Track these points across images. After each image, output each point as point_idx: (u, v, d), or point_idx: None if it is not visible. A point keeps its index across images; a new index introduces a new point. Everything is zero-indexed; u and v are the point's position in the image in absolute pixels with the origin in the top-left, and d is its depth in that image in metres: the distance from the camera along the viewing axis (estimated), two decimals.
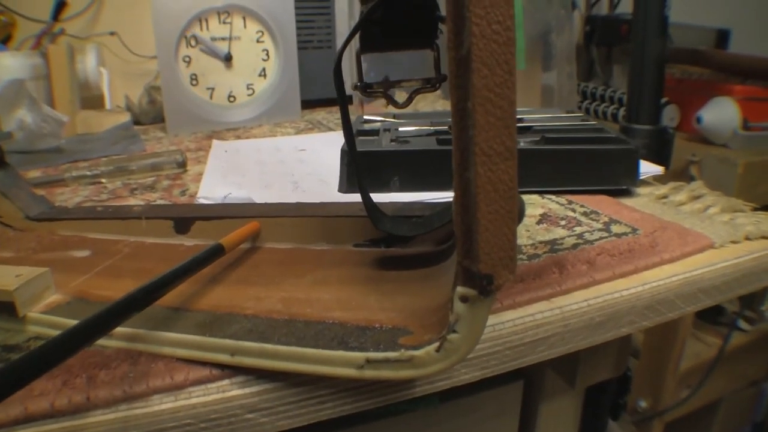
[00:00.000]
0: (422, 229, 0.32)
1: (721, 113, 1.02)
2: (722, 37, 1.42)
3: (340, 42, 0.98)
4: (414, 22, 0.33)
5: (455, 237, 0.22)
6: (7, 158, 0.44)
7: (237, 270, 0.34)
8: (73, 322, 0.28)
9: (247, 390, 0.26)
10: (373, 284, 0.30)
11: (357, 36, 0.32)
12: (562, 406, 0.67)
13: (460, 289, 0.21)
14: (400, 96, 0.34)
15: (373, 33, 0.33)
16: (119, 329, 0.28)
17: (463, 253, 0.21)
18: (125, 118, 0.89)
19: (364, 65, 0.33)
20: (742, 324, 1.21)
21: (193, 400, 0.26)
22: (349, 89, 0.34)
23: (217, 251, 0.31)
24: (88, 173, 0.58)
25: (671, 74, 1.17)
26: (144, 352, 0.28)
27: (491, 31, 0.19)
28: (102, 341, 0.28)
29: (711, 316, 1.24)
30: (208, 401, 0.26)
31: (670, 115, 1.12)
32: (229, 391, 0.26)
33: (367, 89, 0.33)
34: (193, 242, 0.38)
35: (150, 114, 0.96)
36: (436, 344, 0.22)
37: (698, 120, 1.03)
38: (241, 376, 0.27)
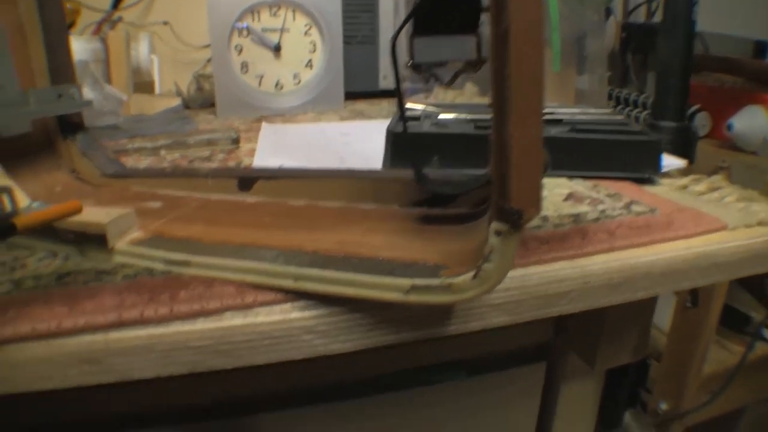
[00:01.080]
0: (460, 189, 0.36)
1: (752, 121, 1.04)
2: (759, 48, 1.43)
3: (383, 38, 1.02)
4: (460, 11, 0.37)
5: (491, 181, 0.26)
6: None
7: (295, 220, 0.38)
8: (155, 253, 0.33)
9: (306, 313, 0.31)
10: (416, 234, 0.34)
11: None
12: (582, 389, 0.70)
13: (494, 225, 0.26)
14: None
15: (425, 19, 0.37)
16: (195, 258, 0.32)
17: (498, 194, 0.25)
18: (176, 101, 0.95)
19: (415, 47, 0.37)
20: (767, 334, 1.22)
21: (259, 319, 0.30)
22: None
23: (6, 231, 0.30)
24: (149, 145, 0.63)
25: (704, 82, 1.19)
26: (218, 278, 0.32)
27: (524, 11, 0.23)
28: (179, 268, 0.33)
29: (736, 325, 1.24)
30: (272, 321, 0.30)
31: (701, 123, 1.14)
32: (291, 313, 0.31)
33: (417, 68, 0.37)
34: (254, 199, 0.42)
35: (198, 100, 1.02)
36: (473, 272, 0.27)
37: (729, 127, 1.05)
38: (302, 301, 0.31)
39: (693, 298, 1.07)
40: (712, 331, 1.09)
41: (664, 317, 1.16)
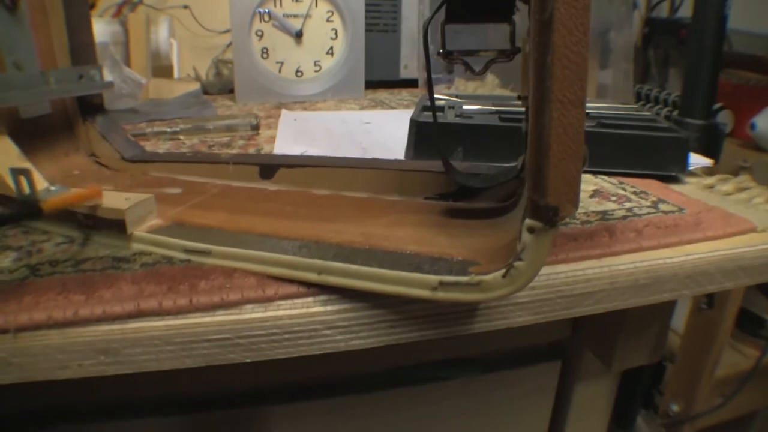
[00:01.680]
0: (489, 182, 0.35)
1: None
2: None
3: (405, 27, 1.01)
4: None
5: (521, 175, 0.25)
6: None
7: (318, 210, 0.37)
8: (174, 241, 0.32)
9: (328, 308, 0.30)
10: (443, 228, 0.34)
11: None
12: (597, 389, 0.69)
13: (528, 221, 0.25)
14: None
15: (458, 6, 0.36)
16: (216, 247, 0.32)
17: (533, 189, 0.24)
18: (195, 86, 0.94)
19: (447, 35, 0.36)
20: None
21: (280, 312, 0.29)
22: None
23: (33, 213, 0.31)
24: (168, 129, 0.63)
25: (728, 80, 1.17)
26: (238, 269, 0.31)
27: None
28: (200, 258, 0.33)
29: (751, 328, 1.23)
30: (293, 314, 0.30)
31: (723, 121, 1.12)
32: (313, 307, 0.30)
33: (448, 55, 0.36)
34: (276, 187, 0.41)
35: (216, 86, 1.01)
36: (503, 270, 0.26)
37: (752, 126, 1.03)
38: (324, 296, 0.30)
39: (708, 301, 1.06)
40: (727, 334, 1.08)
41: (678, 319, 1.15)
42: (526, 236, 0.25)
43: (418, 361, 0.60)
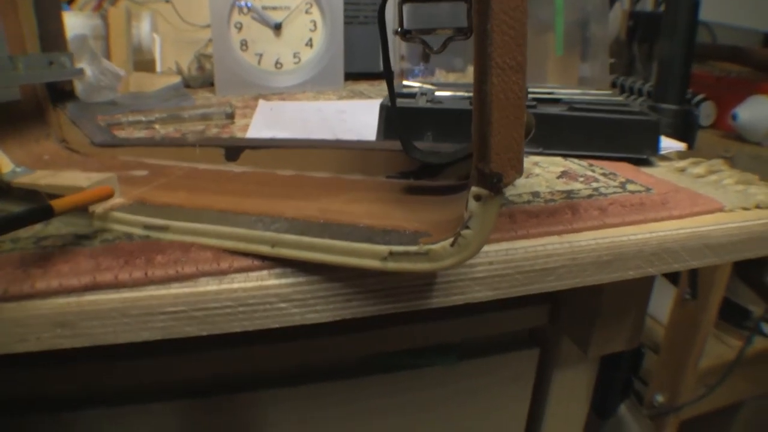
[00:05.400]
0: (448, 159, 0.35)
1: (757, 111, 1.02)
2: None
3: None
4: None
5: (473, 146, 0.25)
6: None
7: (280, 189, 0.38)
8: (134, 218, 0.32)
9: (282, 281, 0.30)
10: (399, 204, 0.34)
11: None
12: (575, 376, 0.70)
13: (474, 189, 0.25)
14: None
15: None
16: (174, 223, 0.32)
17: (478, 157, 0.24)
18: (176, 79, 0.94)
19: (404, 14, 0.37)
20: (767, 328, 1.21)
21: (235, 285, 0.30)
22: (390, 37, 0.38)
23: (44, 213, 0.30)
24: (144, 119, 0.63)
25: (710, 72, 1.18)
26: (195, 243, 0.32)
27: None
28: (158, 233, 0.33)
29: (735, 318, 1.24)
30: (248, 287, 0.30)
31: (706, 112, 1.13)
32: (267, 280, 0.30)
33: (406, 34, 0.36)
34: (241, 169, 0.42)
35: (198, 80, 1.01)
36: (451, 239, 0.26)
37: (734, 117, 1.04)
38: (279, 269, 0.30)
39: (692, 291, 1.07)
40: (711, 324, 1.09)
41: (662, 309, 1.15)
42: (472, 204, 0.25)
43: (395, 349, 0.60)
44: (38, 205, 0.29)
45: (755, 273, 1.15)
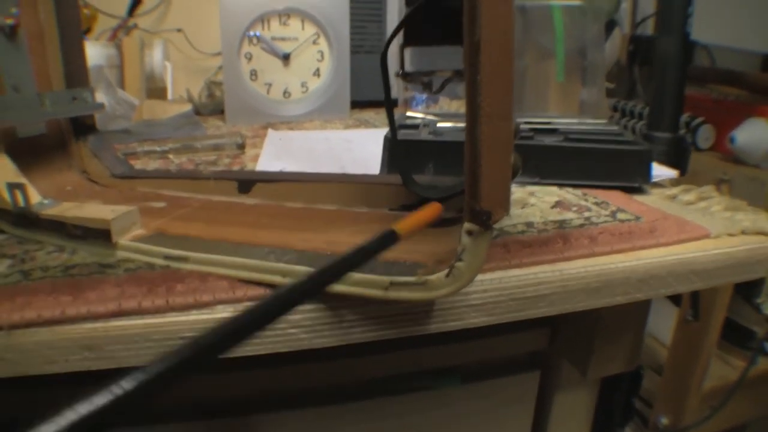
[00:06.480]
0: (445, 193, 0.38)
1: (755, 134, 1.05)
2: None
3: (391, 48, 1.05)
4: (450, 22, 0.39)
5: (465, 184, 0.27)
6: None
7: (290, 222, 0.40)
8: (155, 249, 0.34)
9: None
10: None
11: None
12: (576, 398, 0.71)
13: (466, 225, 0.27)
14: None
15: (415, 30, 0.39)
16: (193, 254, 0.34)
17: (470, 195, 0.27)
18: (187, 107, 0.97)
19: (406, 57, 0.39)
20: None
21: None
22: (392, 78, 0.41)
23: (391, 239, 0.29)
24: (158, 149, 0.66)
25: (708, 95, 1.20)
26: (212, 273, 0.34)
27: (495, 23, 0.25)
28: (178, 264, 0.35)
29: (739, 340, 1.24)
30: None
31: (704, 135, 1.15)
32: None
33: (407, 76, 0.39)
34: (253, 201, 0.44)
35: (209, 107, 1.04)
36: (446, 271, 0.28)
37: (732, 140, 1.06)
38: None
39: (694, 312, 1.08)
40: (713, 345, 1.09)
41: (665, 330, 1.16)
42: (465, 239, 0.28)
43: (398, 372, 0.62)
44: (384, 233, 0.29)
45: (749, 293, 1.16)
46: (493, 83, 0.25)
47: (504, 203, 0.26)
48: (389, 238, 0.29)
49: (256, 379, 0.55)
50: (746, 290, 1.15)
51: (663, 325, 1.18)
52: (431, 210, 0.32)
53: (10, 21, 0.44)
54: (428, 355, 0.61)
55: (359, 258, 0.27)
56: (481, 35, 0.25)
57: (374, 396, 0.61)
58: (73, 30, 0.50)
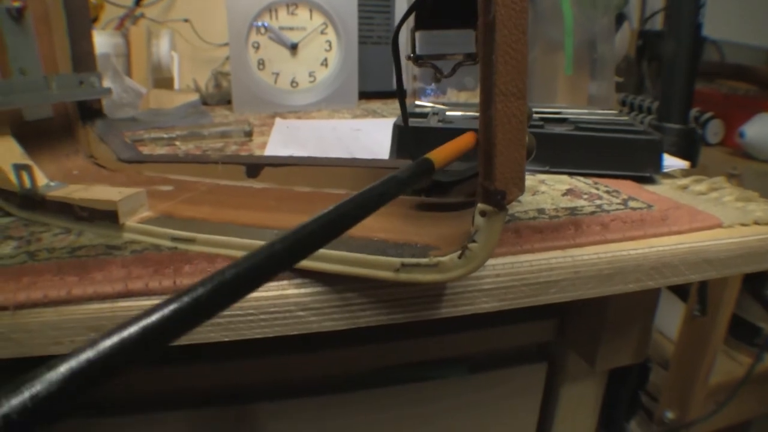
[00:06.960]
0: (456, 177, 0.37)
1: (765, 129, 1.04)
2: None
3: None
4: (460, 6, 0.39)
5: (479, 165, 0.27)
6: None
7: (298, 204, 0.40)
8: (162, 230, 0.34)
9: (301, 290, 0.32)
10: (411, 219, 0.36)
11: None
12: (583, 390, 0.71)
13: (480, 206, 0.27)
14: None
15: (426, 13, 0.38)
16: (200, 235, 0.34)
17: (484, 176, 0.26)
18: (194, 96, 0.97)
19: (417, 40, 0.39)
20: None
21: (257, 294, 0.32)
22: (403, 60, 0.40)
23: (425, 168, 0.28)
24: (165, 135, 0.65)
25: (718, 90, 1.19)
26: (220, 255, 0.34)
27: (510, 2, 0.24)
28: (185, 245, 0.35)
29: (745, 336, 1.24)
30: (269, 296, 0.32)
31: (714, 130, 1.14)
32: (287, 289, 0.32)
33: (418, 60, 0.38)
34: (261, 185, 0.44)
35: (215, 97, 1.04)
36: (459, 252, 0.28)
37: (741, 135, 1.05)
38: (298, 279, 0.32)
39: (701, 307, 1.07)
40: (720, 340, 1.09)
41: (672, 325, 1.16)
42: (478, 219, 0.27)
43: (406, 361, 0.62)
44: (418, 161, 0.28)
45: (758, 286, 1.15)
46: (507, 62, 0.25)
47: (519, 183, 0.26)
48: (424, 167, 0.28)
49: (263, 367, 0.55)
50: (756, 282, 1.14)
51: (670, 320, 1.18)
52: (466, 139, 0.32)
53: (17, 3, 0.44)
54: (435, 345, 0.61)
55: (392, 188, 0.26)
56: (495, 13, 0.24)
57: (381, 385, 0.60)
58: (80, 15, 0.50)
